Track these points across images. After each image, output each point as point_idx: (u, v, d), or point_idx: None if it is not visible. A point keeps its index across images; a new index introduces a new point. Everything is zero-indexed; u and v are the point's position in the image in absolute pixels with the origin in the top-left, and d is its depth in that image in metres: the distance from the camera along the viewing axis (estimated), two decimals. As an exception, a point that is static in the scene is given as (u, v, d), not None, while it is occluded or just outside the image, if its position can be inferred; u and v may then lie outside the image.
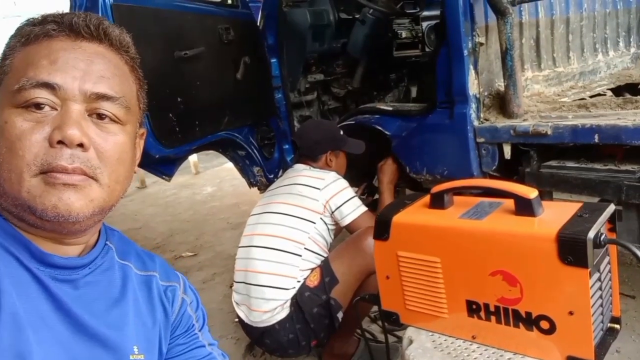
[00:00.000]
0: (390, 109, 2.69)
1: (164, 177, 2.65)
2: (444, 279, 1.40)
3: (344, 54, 3.33)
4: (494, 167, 2.25)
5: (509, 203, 1.35)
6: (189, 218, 5.07)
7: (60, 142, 0.75)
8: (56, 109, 0.78)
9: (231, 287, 2.45)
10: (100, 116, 0.81)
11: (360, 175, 3.06)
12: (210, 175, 6.25)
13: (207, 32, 2.69)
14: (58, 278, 0.81)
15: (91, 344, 0.83)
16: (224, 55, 2.78)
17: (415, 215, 1.49)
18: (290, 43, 3.18)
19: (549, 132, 2.00)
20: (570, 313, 1.17)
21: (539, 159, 2.13)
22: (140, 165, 2.39)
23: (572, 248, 1.15)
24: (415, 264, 1.45)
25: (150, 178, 6.72)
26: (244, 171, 3.18)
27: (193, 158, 6.65)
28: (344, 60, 3.39)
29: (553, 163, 2.10)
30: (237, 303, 2.34)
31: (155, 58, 2.38)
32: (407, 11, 3.21)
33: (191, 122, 2.53)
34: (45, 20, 0.83)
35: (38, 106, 0.77)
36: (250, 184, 3.24)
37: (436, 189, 1.48)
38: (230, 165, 3.59)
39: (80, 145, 0.77)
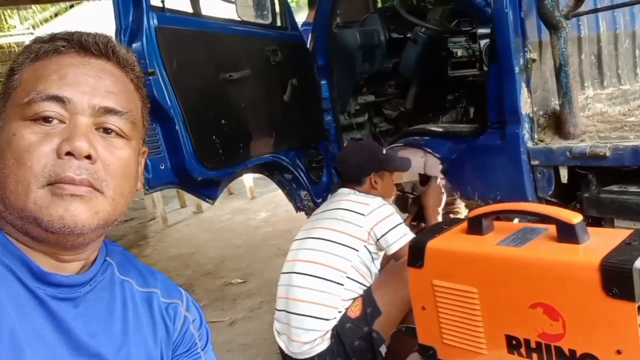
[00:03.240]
0: (441, 130, 2.59)
1: (207, 199, 2.63)
2: (481, 311, 1.30)
3: (396, 74, 3.25)
4: (551, 192, 2.10)
5: (553, 229, 1.24)
6: (241, 244, 5.07)
7: (68, 153, 0.76)
8: (64, 123, 0.79)
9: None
10: (107, 130, 0.83)
11: (410, 201, 2.96)
12: (266, 200, 6.26)
13: (253, 54, 2.68)
14: (59, 297, 0.81)
15: None
16: (270, 77, 2.76)
17: (450, 241, 1.40)
18: (340, 64, 3.14)
19: (608, 154, 1.85)
20: (618, 352, 1.06)
21: (599, 184, 1.97)
22: (182, 186, 2.42)
23: (616, 279, 1.03)
24: (451, 294, 1.36)
25: (207, 203, 6.77)
26: (291, 195, 3.13)
27: (249, 183, 6.68)
28: (396, 81, 3.32)
29: (614, 188, 1.94)
30: (278, 332, 2.29)
31: (199, 80, 2.38)
32: (462, 29, 3.11)
33: (235, 144, 2.51)
34: (54, 37, 0.84)
35: (47, 119, 0.78)
36: (297, 209, 3.18)
37: (473, 213, 1.38)
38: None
39: (88, 157, 0.78)
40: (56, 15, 12.94)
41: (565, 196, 2.09)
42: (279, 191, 3.25)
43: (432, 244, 1.39)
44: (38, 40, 0.85)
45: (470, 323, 1.32)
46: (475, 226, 1.37)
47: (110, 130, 0.83)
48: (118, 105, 0.83)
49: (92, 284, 0.87)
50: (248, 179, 6.65)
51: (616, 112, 2.47)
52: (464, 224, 1.42)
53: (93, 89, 0.81)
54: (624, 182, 1.93)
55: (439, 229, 1.47)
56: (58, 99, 0.78)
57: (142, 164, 0.96)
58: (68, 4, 11.88)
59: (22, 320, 0.75)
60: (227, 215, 6.29)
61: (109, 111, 0.82)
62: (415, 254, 1.42)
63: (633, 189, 1.87)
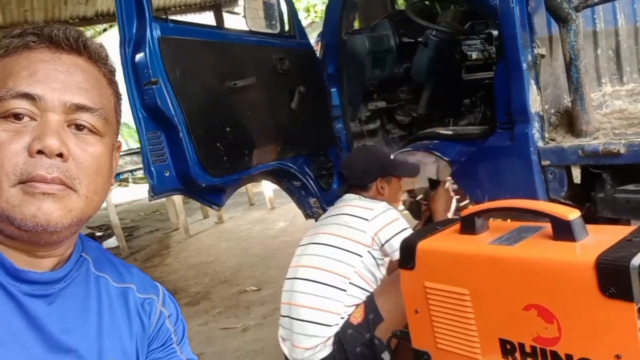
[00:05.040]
0: (450, 133, 2.51)
1: (213, 206, 2.61)
2: (474, 313, 1.24)
3: (408, 79, 3.17)
4: (563, 194, 2.01)
5: (550, 227, 1.16)
6: (258, 253, 5.12)
7: (39, 151, 0.75)
8: (35, 120, 0.78)
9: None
10: (79, 127, 0.81)
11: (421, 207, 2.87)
12: (285, 210, 6.33)
13: (259, 62, 2.66)
14: (32, 294, 0.80)
15: None
16: (277, 85, 2.74)
17: (442, 241, 1.33)
18: (350, 71, 3.09)
19: (622, 151, 1.76)
20: (617, 357, 0.99)
21: (614, 183, 1.87)
22: (187, 193, 2.40)
23: (613, 277, 0.96)
24: (444, 296, 1.30)
25: (228, 214, 6.90)
26: (300, 202, 3.08)
27: (269, 193, 6.72)
28: (408, 86, 3.22)
29: (630, 187, 1.84)
30: (282, 338, 2.25)
31: (203, 88, 2.38)
32: (475, 30, 3.01)
33: (240, 151, 2.49)
34: (24, 32, 0.83)
35: (17, 116, 0.77)
36: (307, 216, 3.13)
37: (466, 212, 1.31)
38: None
39: (60, 155, 0.77)
40: (92, 38, 13.32)
41: (579, 197, 1.99)
42: (300, 201, 3.23)
43: (423, 245, 1.33)
44: (8, 35, 0.84)
45: (463, 327, 1.26)
46: (468, 226, 1.30)
47: (82, 127, 0.81)
48: (90, 102, 0.82)
49: (67, 280, 0.86)
50: (268, 190, 6.71)
51: (638, 110, 2.34)
52: (458, 224, 1.35)
53: (64, 86, 0.80)
54: (641, 180, 1.83)
55: (431, 229, 1.41)
56: (28, 96, 0.77)
57: (117, 159, 0.95)
58: (101, 27, 12.18)
59: None
60: (247, 225, 6.38)
61: (80, 108, 0.81)
62: (406, 255, 1.36)
63: (651, 187, 1.77)
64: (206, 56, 2.41)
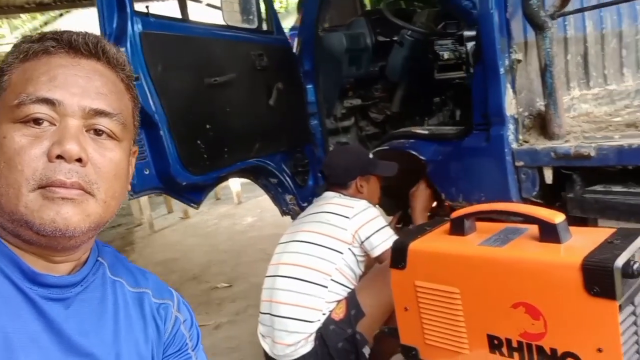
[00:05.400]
0: (426, 132, 2.57)
1: (191, 204, 2.62)
2: (463, 311, 1.30)
3: (383, 77, 3.23)
4: (535, 193, 2.08)
5: (536, 229, 1.23)
6: (227, 248, 5.07)
7: (59, 156, 0.76)
8: (54, 125, 0.78)
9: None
10: (98, 132, 0.82)
11: (394, 204, 2.93)
12: (252, 205, 6.27)
13: (239, 58, 2.66)
14: (50, 297, 0.81)
15: None
16: (256, 82, 2.74)
17: (433, 242, 1.40)
18: (326, 68, 3.12)
19: (592, 154, 1.84)
20: (599, 350, 1.07)
21: (583, 184, 1.96)
22: (167, 191, 2.40)
23: (598, 277, 1.03)
24: (434, 294, 1.36)
25: (194, 209, 6.77)
26: (276, 199, 3.10)
27: (236, 188, 6.66)
28: (383, 84, 3.27)
29: (598, 188, 1.93)
30: (262, 335, 2.27)
31: (184, 85, 2.36)
32: (449, 31, 3.09)
33: (220, 149, 2.49)
34: (44, 37, 0.84)
35: (37, 121, 0.77)
36: (283, 213, 3.15)
37: (456, 214, 1.38)
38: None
39: (79, 160, 0.77)
40: (46, 24, 12.88)
41: (550, 197, 2.08)
42: (266, 196, 3.24)
43: (415, 245, 1.38)
44: (27, 40, 0.84)
45: (452, 323, 1.32)
46: (458, 227, 1.37)
47: (100, 132, 0.82)
48: (109, 107, 0.83)
49: (84, 284, 0.87)
50: (235, 184, 6.63)
51: (602, 113, 2.45)
52: (447, 225, 1.41)
53: (83, 91, 0.80)
54: (608, 182, 1.92)
55: (421, 230, 1.46)
56: (48, 101, 0.78)
57: (133, 164, 0.96)
58: (57, 12, 11.86)
59: (14, 322, 0.76)
60: (214, 221, 6.30)
61: (99, 113, 0.81)
62: (398, 255, 1.41)
63: (617, 188, 1.86)
64: (187, 52, 2.40)
